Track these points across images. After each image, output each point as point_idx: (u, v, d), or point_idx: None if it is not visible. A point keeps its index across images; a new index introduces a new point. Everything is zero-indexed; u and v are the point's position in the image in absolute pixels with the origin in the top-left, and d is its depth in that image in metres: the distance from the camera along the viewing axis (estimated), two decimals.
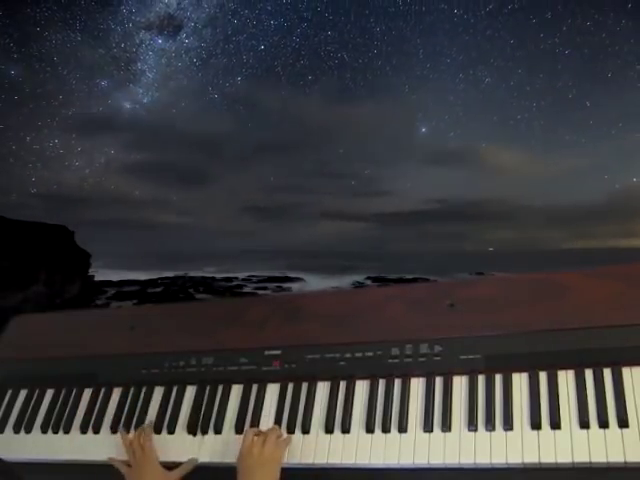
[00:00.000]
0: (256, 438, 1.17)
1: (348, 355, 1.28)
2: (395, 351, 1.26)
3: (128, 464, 1.25)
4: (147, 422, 1.34)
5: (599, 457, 1.00)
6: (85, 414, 1.42)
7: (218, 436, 1.27)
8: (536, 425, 1.07)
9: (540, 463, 1.03)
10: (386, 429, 1.16)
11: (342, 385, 1.26)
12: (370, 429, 1.17)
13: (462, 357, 1.20)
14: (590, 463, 1.00)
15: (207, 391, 1.35)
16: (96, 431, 1.38)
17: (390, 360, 1.25)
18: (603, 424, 1.03)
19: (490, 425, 1.10)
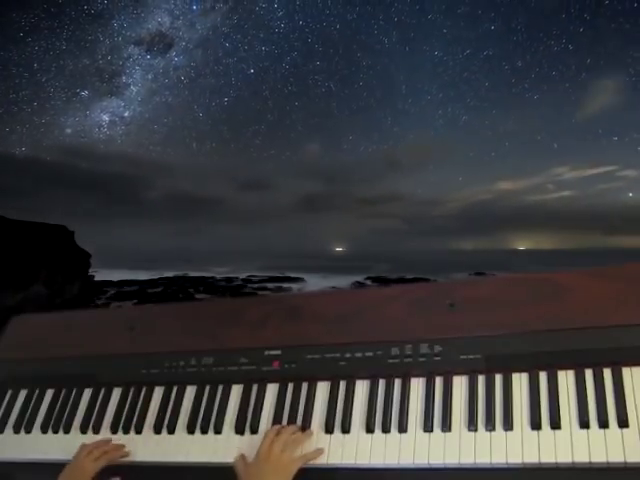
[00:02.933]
0: (276, 439, 1.15)
1: (348, 355, 1.28)
2: (395, 351, 1.26)
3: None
4: (147, 423, 1.35)
5: (599, 457, 1.00)
6: (85, 414, 1.42)
7: (218, 436, 1.27)
8: (536, 425, 1.07)
9: (540, 463, 1.03)
10: (386, 429, 1.16)
11: (342, 385, 1.26)
12: (370, 429, 1.17)
13: (462, 357, 1.20)
14: (590, 463, 1.00)
15: (207, 391, 1.35)
16: (96, 431, 1.38)
17: (390, 360, 1.25)
18: (603, 424, 1.03)
19: (490, 425, 1.10)
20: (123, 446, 1.31)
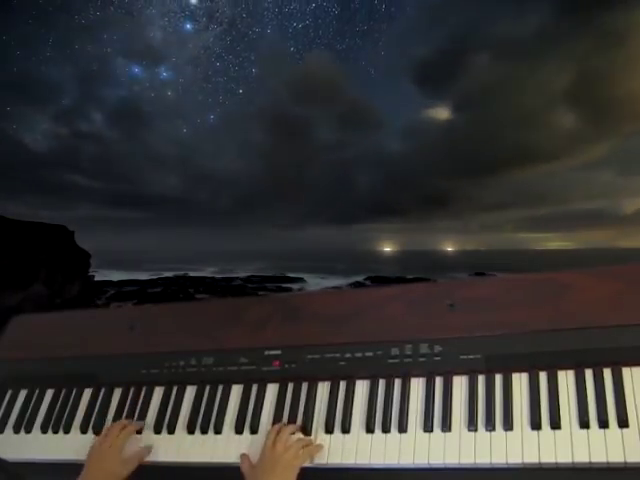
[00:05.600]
0: (278, 439, 1.15)
1: (348, 355, 1.28)
2: (395, 351, 1.26)
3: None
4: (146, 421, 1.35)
5: (599, 457, 1.00)
6: (85, 414, 1.42)
7: (218, 436, 1.27)
8: (536, 425, 1.07)
9: (540, 463, 1.03)
10: (386, 429, 1.16)
11: (342, 385, 1.26)
12: (370, 429, 1.17)
13: (462, 357, 1.20)
14: (590, 463, 1.00)
15: (207, 391, 1.35)
16: (96, 431, 1.37)
17: (390, 360, 1.25)
18: (603, 424, 1.03)
19: (490, 425, 1.10)
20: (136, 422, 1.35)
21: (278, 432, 1.18)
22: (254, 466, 1.15)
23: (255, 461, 1.16)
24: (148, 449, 1.28)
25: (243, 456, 1.19)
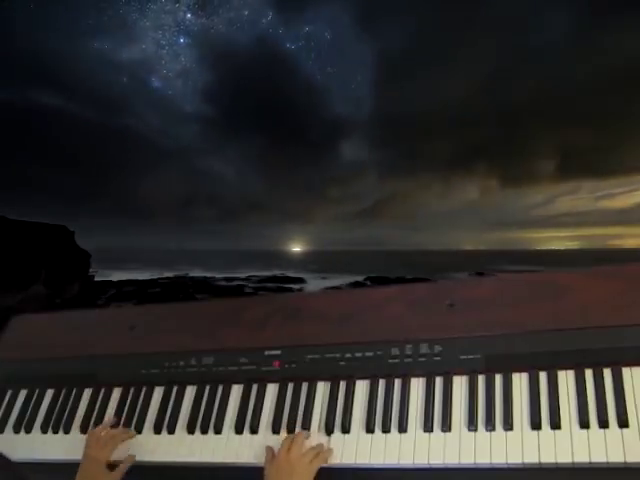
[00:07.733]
0: (294, 442, 1.15)
1: (348, 355, 1.28)
2: (395, 351, 1.26)
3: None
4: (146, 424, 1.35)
5: (599, 457, 1.00)
6: (85, 414, 1.42)
7: (218, 436, 1.27)
8: (536, 425, 1.07)
9: (540, 463, 1.03)
10: (386, 429, 1.16)
11: (342, 385, 1.26)
12: (370, 429, 1.17)
13: (462, 357, 1.20)
14: (590, 463, 1.00)
15: (207, 391, 1.35)
16: None
17: (390, 360, 1.25)
18: (603, 424, 1.04)
19: (490, 425, 1.10)
20: (127, 429, 1.34)
21: (292, 438, 1.18)
22: (268, 468, 1.14)
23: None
24: (132, 457, 1.28)
25: (268, 450, 1.18)
